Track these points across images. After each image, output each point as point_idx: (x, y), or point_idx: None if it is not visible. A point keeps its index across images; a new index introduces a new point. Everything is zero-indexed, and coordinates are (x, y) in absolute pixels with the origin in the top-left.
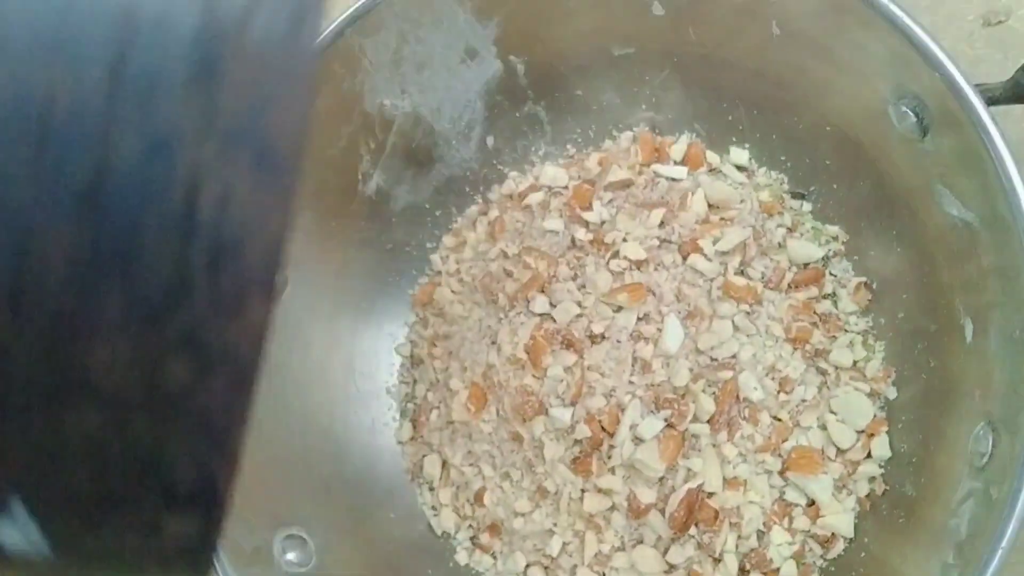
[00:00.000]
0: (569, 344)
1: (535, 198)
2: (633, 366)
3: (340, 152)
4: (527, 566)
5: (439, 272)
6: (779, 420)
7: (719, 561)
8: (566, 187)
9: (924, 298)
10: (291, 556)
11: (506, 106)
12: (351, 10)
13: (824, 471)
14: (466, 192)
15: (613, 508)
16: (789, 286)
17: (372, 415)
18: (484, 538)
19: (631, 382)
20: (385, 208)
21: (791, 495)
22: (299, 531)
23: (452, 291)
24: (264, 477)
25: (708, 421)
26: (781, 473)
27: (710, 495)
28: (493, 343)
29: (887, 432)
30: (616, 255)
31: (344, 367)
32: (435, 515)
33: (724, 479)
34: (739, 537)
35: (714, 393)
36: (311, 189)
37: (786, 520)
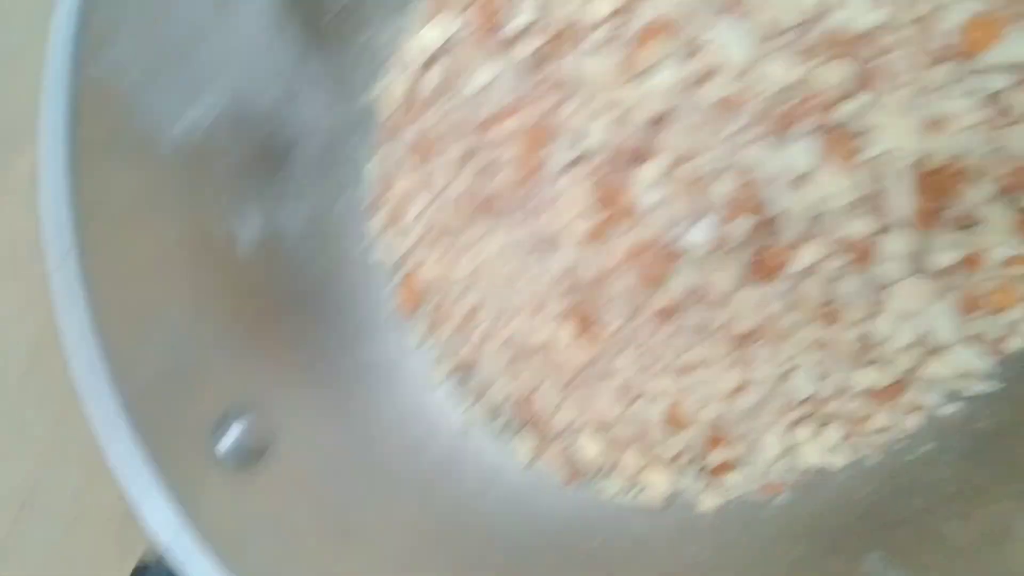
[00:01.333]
0: (635, 159)
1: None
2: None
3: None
4: (783, 452)
5: (407, 254)
6: None
7: (979, 223)
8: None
9: None
10: None
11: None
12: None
13: None
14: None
15: (839, 276)
16: None
17: (468, 470)
18: (714, 457)
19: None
20: (284, 243)
21: None
22: None
23: (440, 255)
24: None
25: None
26: None
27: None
28: (546, 247)
29: None
30: None
31: (400, 457)
32: (641, 491)
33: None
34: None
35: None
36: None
37: None
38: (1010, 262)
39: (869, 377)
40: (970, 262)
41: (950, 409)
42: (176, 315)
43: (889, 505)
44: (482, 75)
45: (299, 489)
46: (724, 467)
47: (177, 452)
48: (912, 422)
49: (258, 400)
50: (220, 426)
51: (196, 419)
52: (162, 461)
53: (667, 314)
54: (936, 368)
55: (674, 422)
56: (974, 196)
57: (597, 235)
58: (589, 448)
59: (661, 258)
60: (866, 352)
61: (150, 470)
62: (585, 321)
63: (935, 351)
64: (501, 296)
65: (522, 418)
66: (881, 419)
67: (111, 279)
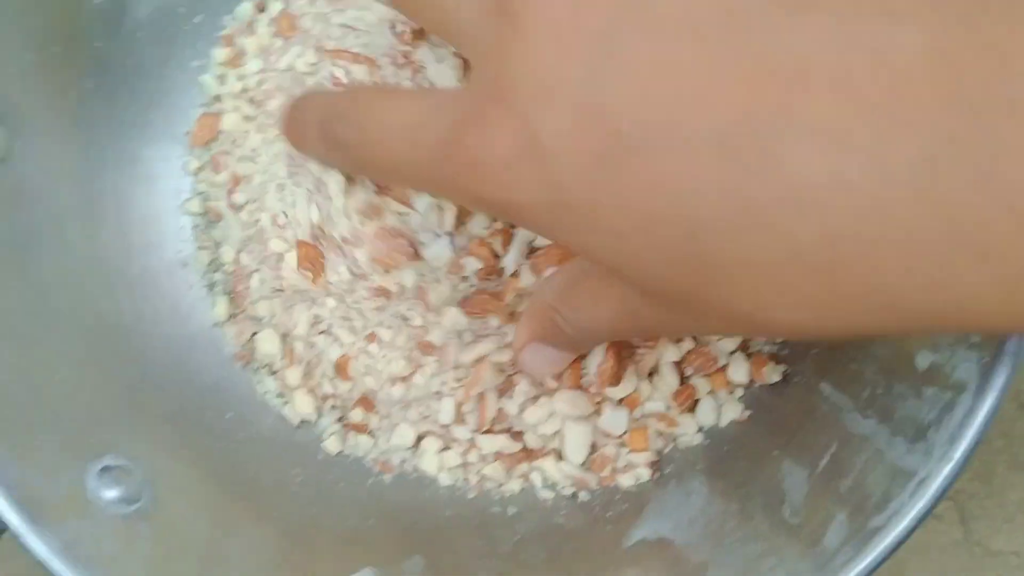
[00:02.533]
0: None
1: None
2: None
3: None
4: (420, 437)
5: (217, 97)
6: None
7: (654, 375)
8: None
9: None
10: (113, 493)
11: None
12: None
13: None
14: None
15: None
16: None
17: (170, 298)
18: (356, 415)
19: None
20: (123, 18)
21: None
22: (116, 459)
23: (245, 116)
24: (48, 400)
25: None
26: None
27: None
28: (317, 189)
29: None
30: None
31: (118, 243)
32: (285, 403)
33: None
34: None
35: None
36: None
37: None
38: (656, 416)
39: (499, 443)
40: (629, 401)
41: (544, 494)
42: None
43: (460, 533)
44: None
45: None
46: (359, 427)
47: None
48: (513, 486)
49: None
50: None
51: None
52: None
53: (380, 293)
54: (550, 464)
55: (340, 371)
56: (659, 351)
57: (370, 209)
58: (267, 344)
59: (403, 249)
60: (509, 422)
61: None
62: (313, 262)
63: (558, 453)
64: (263, 199)
65: (234, 287)
66: (493, 470)
67: None
